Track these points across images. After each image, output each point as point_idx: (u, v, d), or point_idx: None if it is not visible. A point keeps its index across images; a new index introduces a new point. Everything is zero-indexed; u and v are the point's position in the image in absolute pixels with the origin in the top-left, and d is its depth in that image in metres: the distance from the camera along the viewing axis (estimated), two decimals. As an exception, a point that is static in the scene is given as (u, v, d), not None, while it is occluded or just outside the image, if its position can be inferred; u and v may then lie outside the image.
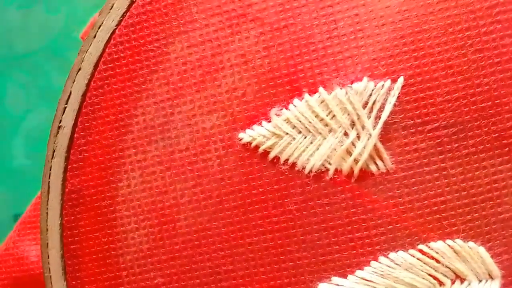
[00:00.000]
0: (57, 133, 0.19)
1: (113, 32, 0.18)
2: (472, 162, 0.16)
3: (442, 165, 0.16)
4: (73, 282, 0.19)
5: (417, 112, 0.16)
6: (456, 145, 0.16)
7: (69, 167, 0.19)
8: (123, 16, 0.18)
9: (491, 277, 0.16)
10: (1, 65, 0.29)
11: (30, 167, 0.27)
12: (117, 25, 0.18)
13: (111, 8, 0.18)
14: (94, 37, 0.18)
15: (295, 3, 0.17)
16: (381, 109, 0.16)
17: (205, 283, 0.18)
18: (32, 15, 0.30)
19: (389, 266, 0.16)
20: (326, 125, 0.17)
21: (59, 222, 0.19)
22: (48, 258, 0.19)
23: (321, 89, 0.17)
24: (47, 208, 0.19)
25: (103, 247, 0.18)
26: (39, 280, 0.23)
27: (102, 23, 0.18)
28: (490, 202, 0.16)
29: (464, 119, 0.16)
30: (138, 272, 0.18)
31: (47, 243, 0.19)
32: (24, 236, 0.23)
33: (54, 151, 0.19)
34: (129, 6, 0.18)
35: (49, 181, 0.19)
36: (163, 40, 0.18)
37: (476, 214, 0.16)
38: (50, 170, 0.19)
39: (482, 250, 0.16)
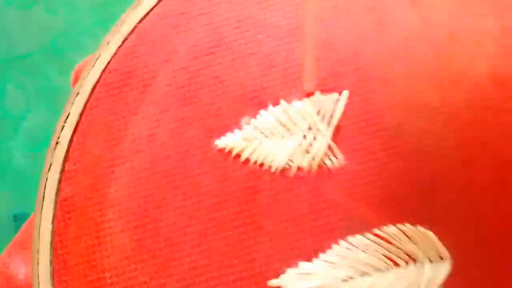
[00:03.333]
0: (55, 148, 0.21)
1: (108, 63, 0.22)
2: (412, 157, 0.19)
3: (386, 160, 0.19)
4: (59, 286, 0.20)
5: (361, 117, 0.20)
6: (397, 143, 0.19)
7: (63, 177, 0.21)
8: (116, 50, 0.22)
9: (441, 258, 0.18)
10: (0, 66, 0.30)
11: (30, 167, 0.28)
12: (112, 56, 0.22)
13: (107, 44, 0.22)
14: (93, 66, 0.22)
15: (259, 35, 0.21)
16: (332, 116, 0.20)
17: (183, 279, 0.19)
18: (32, 15, 0.31)
19: (348, 249, 0.18)
20: (288, 130, 0.20)
21: (51, 228, 0.20)
22: (38, 263, 0.20)
23: (282, 101, 0.20)
24: (41, 216, 0.21)
25: (89, 250, 0.20)
26: None
27: (100, 55, 0.22)
28: (434, 190, 0.19)
29: (403, 121, 0.20)
30: (121, 272, 0.19)
31: (38, 249, 0.20)
32: (14, 256, 0.24)
33: (51, 164, 0.21)
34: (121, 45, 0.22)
35: (44, 191, 0.21)
36: (151, 67, 0.21)
37: (423, 201, 0.19)
38: (46, 181, 0.21)
39: (430, 233, 0.18)
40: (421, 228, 0.18)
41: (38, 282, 0.20)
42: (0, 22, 0.32)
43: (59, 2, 0.32)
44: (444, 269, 0.18)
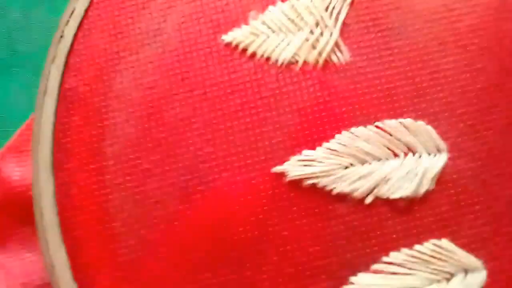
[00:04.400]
0: (59, 42, 0.21)
1: (117, -42, 0.21)
2: (415, 56, 0.20)
3: (390, 58, 0.20)
4: (60, 174, 0.20)
5: (368, 17, 0.20)
6: (401, 43, 0.20)
7: (66, 69, 0.21)
8: None
9: (438, 150, 0.19)
10: (3, 65, 0.30)
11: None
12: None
13: None
14: (100, -40, 0.21)
15: None
16: (339, 13, 0.20)
17: (187, 166, 0.19)
18: (34, 15, 0.31)
19: (350, 138, 0.19)
20: (296, 25, 0.20)
21: (53, 120, 0.20)
22: (38, 154, 0.20)
23: (291, -2, 0.20)
24: (42, 108, 0.20)
25: (92, 139, 0.20)
26: (21, 198, 0.23)
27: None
28: (434, 88, 0.19)
29: (407, 23, 0.20)
30: (125, 160, 0.20)
31: (39, 140, 0.20)
32: (8, 160, 0.24)
33: (54, 57, 0.21)
34: None
35: (46, 83, 0.21)
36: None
37: (422, 98, 0.19)
38: (49, 74, 0.21)
39: (429, 127, 0.19)
40: (420, 122, 0.19)
41: (38, 169, 0.20)
42: (2, 22, 0.31)
43: (61, 2, 0.31)
44: (441, 160, 0.19)
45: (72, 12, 0.21)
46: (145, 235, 0.19)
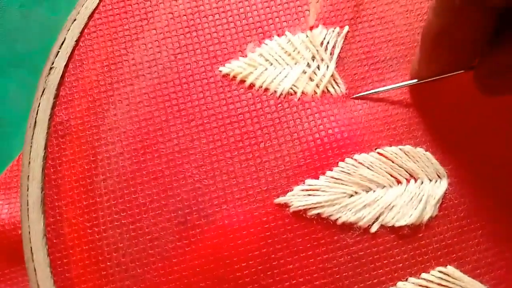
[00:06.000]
0: (49, 73, 0.20)
1: (110, -10, 0.21)
2: (409, 86, 0.20)
3: (385, 89, 0.20)
4: (51, 212, 0.19)
5: (361, 50, 0.20)
6: (393, 74, 0.20)
7: (57, 102, 0.20)
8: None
9: (439, 176, 0.19)
10: (2, 65, 0.29)
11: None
12: (114, -16, 0.21)
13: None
14: (92, -8, 0.21)
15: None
16: (334, 47, 0.20)
17: (185, 199, 0.19)
18: (34, 15, 0.30)
19: (353, 165, 0.19)
20: (293, 58, 0.20)
21: (43, 154, 0.19)
22: (28, 190, 0.19)
23: (287, 32, 0.21)
24: (31, 142, 0.19)
25: (85, 174, 0.19)
26: (9, 237, 0.22)
27: (100, -17, 0.21)
28: (428, 118, 0.20)
29: (399, 54, 0.20)
30: (119, 195, 0.19)
31: (28, 176, 0.19)
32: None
33: (44, 89, 0.20)
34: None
35: (36, 117, 0.20)
36: (154, -5, 0.21)
37: (420, 126, 0.20)
38: (39, 106, 0.20)
39: (428, 154, 0.19)
40: (419, 149, 0.19)
41: (27, 207, 0.19)
42: (2, 22, 0.31)
43: (61, 2, 0.31)
44: (442, 186, 0.19)
45: (62, 42, 0.21)
46: (142, 274, 0.18)
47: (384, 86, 0.20)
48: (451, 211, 0.19)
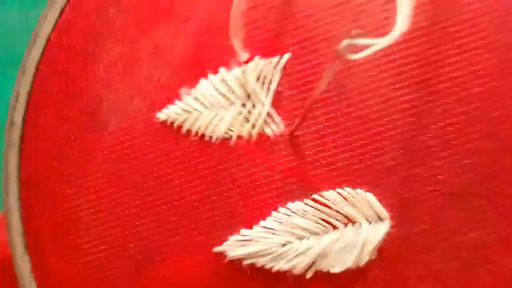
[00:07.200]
0: (10, 128, 0.22)
1: (49, 38, 0.21)
2: (352, 119, 0.19)
3: (327, 124, 0.19)
4: (34, 256, 0.22)
5: (302, 81, 0.19)
6: (337, 106, 0.19)
7: (22, 157, 0.22)
8: (55, 23, 0.21)
9: (380, 219, 0.18)
10: (1, 66, 0.30)
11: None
12: (52, 30, 0.21)
13: (46, 17, 0.21)
14: (34, 42, 0.21)
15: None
16: (271, 82, 0.19)
17: (137, 246, 0.20)
18: (33, 16, 0.31)
19: (286, 214, 0.19)
20: (227, 99, 0.19)
21: (17, 205, 0.22)
22: (12, 235, 0.22)
23: (221, 69, 0.20)
24: (8, 193, 0.22)
25: (54, 223, 0.21)
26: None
27: (41, 29, 0.21)
28: (373, 153, 0.19)
29: (344, 82, 0.19)
30: (84, 241, 0.21)
31: (11, 223, 0.22)
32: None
33: (9, 144, 0.22)
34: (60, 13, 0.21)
35: (7, 170, 0.22)
36: (90, 39, 0.21)
37: (362, 164, 0.19)
38: (8, 161, 0.22)
39: (369, 195, 0.18)
40: (360, 191, 0.18)
41: (15, 250, 0.22)
42: (1, 23, 0.31)
43: None
44: (383, 229, 0.18)
45: (17, 97, 0.22)
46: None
47: (326, 119, 0.19)
48: (391, 253, 0.18)
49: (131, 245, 0.20)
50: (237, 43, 0.19)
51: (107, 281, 0.21)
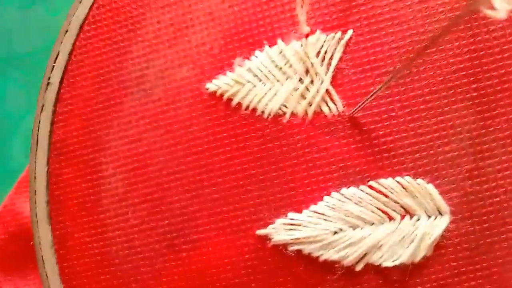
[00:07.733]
0: (46, 89, 0.21)
1: (97, -2, 0.20)
2: (419, 104, 0.17)
3: (390, 107, 0.18)
4: (56, 226, 0.20)
5: (366, 59, 0.18)
6: (403, 88, 0.18)
7: (55, 119, 0.21)
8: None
9: (440, 213, 0.17)
10: (1, 65, 0.30)
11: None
12: (100, -9, 0.20)
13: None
14: (80, 2, 0.20)
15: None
16: (332, 58, 0.18)
17: (172, 223, 0.19)
18: (32, 15, 0.31)
19: (340, 200, 0.17)
20: (284, 73, 0.18)
21: (46, 170, 0.21)
22: (36, 203, 0.21)
23: (279, 41, 0.18)
24: (35, 158, 0.21)
25: (83, 192, 0.20)
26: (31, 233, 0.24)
27: (88, -10, 0.20)
28: (438, 142, 0.17)
29: (412, 67, 0.18)
30: (113, 215, 0.20)
31: (35, 190, 0.21)
32: (20, 194, 0.25)
33: (43, 105, 0.21)
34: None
35: (38, 133, 0.21)
36: (139, 2, 0.20)
37: (424, 153, 0.17)
38: (39, 123, 0.21)
39: (430, 186, 0.17)
40: (421, 181, 0.17)
41: (36, 220, 0.20)
42: (0, 22, 0.30)
43: (60, 2, 0.30)
44: (442, 224, 0.17)
45: (57, 56, 0.21)
46: None
47: (389, 102, 0.17)
48: (449, 250, 0.17)
49: (166, 221, 0.19)
50: (302, 13, 0.18)
51: (134, 261, 0.19)
